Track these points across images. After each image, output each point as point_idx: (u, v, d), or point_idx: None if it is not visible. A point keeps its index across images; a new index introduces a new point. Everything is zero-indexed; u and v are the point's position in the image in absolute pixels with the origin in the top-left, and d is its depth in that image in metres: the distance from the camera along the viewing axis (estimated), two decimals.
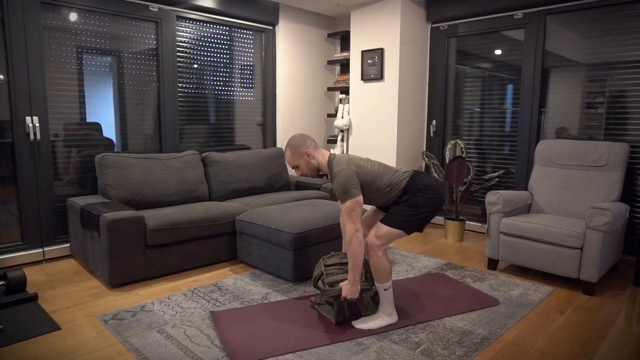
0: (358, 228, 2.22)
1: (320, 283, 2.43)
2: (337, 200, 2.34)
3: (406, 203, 2.33)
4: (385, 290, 2.36)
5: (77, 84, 3.52)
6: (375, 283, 2.38)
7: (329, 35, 5.14)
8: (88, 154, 3.63)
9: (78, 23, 3.47)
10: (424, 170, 4.88)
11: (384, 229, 2.31)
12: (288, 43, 4.83)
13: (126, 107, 3.81)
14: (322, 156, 2.42)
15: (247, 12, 4.39)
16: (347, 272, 2.39)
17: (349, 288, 2.28)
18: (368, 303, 2.45)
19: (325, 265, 2.45)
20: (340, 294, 2.32)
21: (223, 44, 4.37)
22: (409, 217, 2.31)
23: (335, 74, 5.42)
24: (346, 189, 2.22)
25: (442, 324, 2.46)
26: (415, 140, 4.76)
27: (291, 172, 4.99)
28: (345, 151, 4.94)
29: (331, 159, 2.38)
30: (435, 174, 4.42)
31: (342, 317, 2.42)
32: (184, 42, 4.08)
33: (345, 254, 2.49)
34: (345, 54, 5.05)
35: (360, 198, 2.25)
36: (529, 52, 4.01)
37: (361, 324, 2.37)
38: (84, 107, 3.58)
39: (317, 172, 2.45)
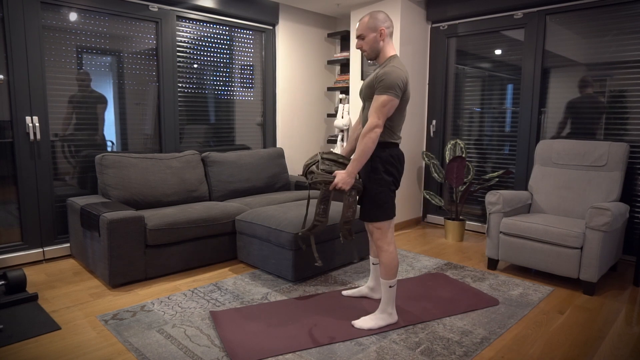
0: (380, 125, 2.19)
1: (313, 167, 2.35)
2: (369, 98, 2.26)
3: (372, 172, 2.31)
4: (390, 287, 2.36)
5: (77, 84, 3.52)
6: (381, 279, 2.38)
7: (329, 35, 5.14)
8: (88, 154, 3.63)
9: (78, 23, 3.47)
10: (424, 171, 4.88)
11: (369, 226, 2.37)
12: (288, 43, 4.83)
13: (126, 107, 3.81)
14: (390, 46, 2.36)
15: (247, 12, 4.39)
16: (342, 169, 2.34)
17: (343, 177, 2.23)
18: (352, 203, 2.36)
19: (322, 157, 2.39)
20: (332, 182, 2.27)
21: (223, 44, 4.37)
22: (377, 200, 2.30)
23: (335, 74, 5.42)
24: (392, 84, 2.18)
25: (442, 324, 2.46)
26: (415, 140, 4.76)
27: (291, 172, 4.98)
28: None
29: (395, 56, 2.32)
30: (435, 174, 4.42)
31: (324, 214, 2.37)
32: (184, 42, 4.07)
33: (343, 156, 2.43)
34: (345, 54, 5.04)
35: (397, 103, 2.22)
36: (528, 52, 4.01)
37: (361, 324, 2.37)
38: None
39: (376, 55, 2.36)
